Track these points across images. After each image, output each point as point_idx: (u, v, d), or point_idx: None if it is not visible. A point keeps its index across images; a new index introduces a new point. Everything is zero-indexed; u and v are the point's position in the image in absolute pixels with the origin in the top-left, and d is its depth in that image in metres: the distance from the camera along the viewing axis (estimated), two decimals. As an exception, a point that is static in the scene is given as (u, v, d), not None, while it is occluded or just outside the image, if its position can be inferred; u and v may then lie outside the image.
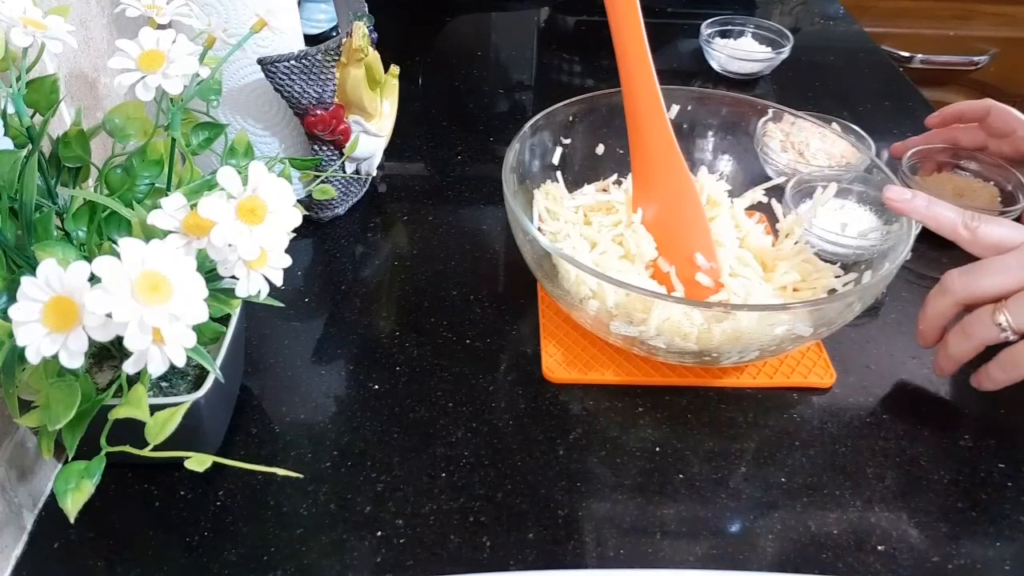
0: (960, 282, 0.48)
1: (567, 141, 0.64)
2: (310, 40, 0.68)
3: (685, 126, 0.65)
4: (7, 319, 0.30)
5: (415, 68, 0.91)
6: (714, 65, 0.92)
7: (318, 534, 0.44)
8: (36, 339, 0.29)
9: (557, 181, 0.63)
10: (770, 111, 0.66)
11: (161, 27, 0.42)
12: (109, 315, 0.28)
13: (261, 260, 0.35)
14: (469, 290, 0.61)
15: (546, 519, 0.45)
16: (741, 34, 0.94)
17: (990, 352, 0.49)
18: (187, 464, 0.34)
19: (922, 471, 0.49)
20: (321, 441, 0.49)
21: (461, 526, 0.45)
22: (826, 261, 0.58)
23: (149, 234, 0.33)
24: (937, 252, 0.66)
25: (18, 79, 0.38)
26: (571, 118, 0.63)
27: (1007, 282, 0.47)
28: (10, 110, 0.39)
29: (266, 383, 0.53)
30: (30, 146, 0.39)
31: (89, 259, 0.29)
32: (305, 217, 0.64)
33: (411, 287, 0.61)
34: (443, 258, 0.64)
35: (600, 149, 0.65)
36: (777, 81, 0.91)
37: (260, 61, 0.57)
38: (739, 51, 0.90)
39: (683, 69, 0.94)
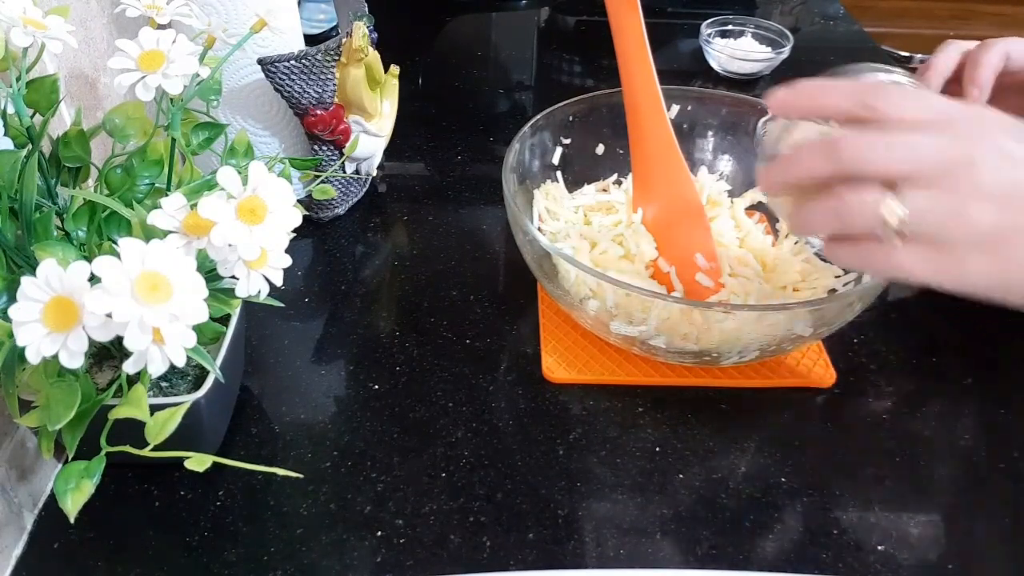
0: (853, 150, 0.36)
1: (567, 141, 0.64)
2: (310, 40, 0.68)
3: (685, 126, 0.65)
4: (7, 319, 0.30)
5: (415, 68, 0.91)
6: (714, 65, 0.92)
7: (318, 534, 0.44)
8: (36, 339, 0.29)
9: (557, 181, 0.63)
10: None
11: (161, 27, 0.42)
12: (109, 315, 0.28)
13: (261, 260, 0.35)
14: (469, 290, 0.61)
15: (546, 519, 0.45)
16: (741, 34, 0.94)
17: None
18: (187, 464, 0.34)
19: (922, 471, 0.49)
20: (321, 441, 0.49)
21: (461, 526, 0.45)
22: (826, 261, 0.58)
23: (149, 234, 0.33)
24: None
25: (18, 79, 0.38)
26: (571, 118, 0.63)
27: (909, 166, 0.35)
28: (10, 110, 0.39)
29: (266, 383, 0.53)
30: (30, 146, 0.39)
31: (89, 259, 0.29)
32: (305, 217, 0.64)
33: (411, 287, 0.61)
34: (443, 258, 0.64)
35: (600, 149, 0.65)
36: (777, 81, 0.90)
37: (260, 61, 0.57)
38: (739, 51, 0.90)
39: (683, 69, 0.94)
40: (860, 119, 0.37)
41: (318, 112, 0.60)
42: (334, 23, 0.78)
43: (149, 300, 0.29)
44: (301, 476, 0.47)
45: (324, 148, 0.63)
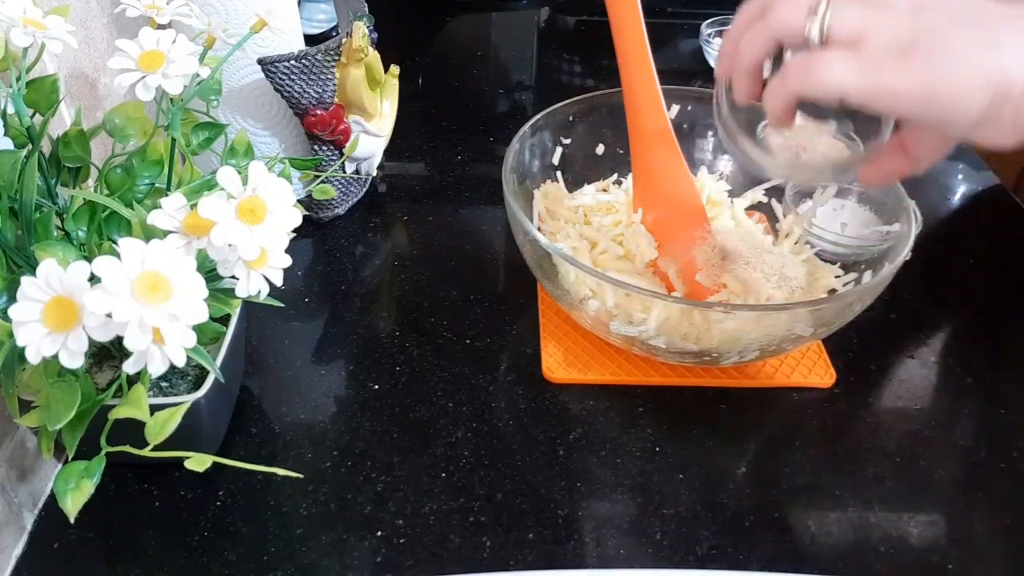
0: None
1: (567, 141, 0.64)
2: (310, 40, 0.68)
3: (685, 126, 0.65)
4: (7, 319, 0.30)
5: (415, 68, 0.91)
6: (714, 65, 0.92)
7: (318, 534, 0.44)
8: (36, 339, 0.29)
9: (557, 181, 0.63)
10: (770, 111, 0.66)
11: (161, 27, 0.42)
12: (109, 315, 0.28)
13: (261, 260, 0.35)
14: (469, 290, 0.61)
15: (546, 519, 0.45)
16: (741, 34, 0.94)
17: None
18: (187, 464, 0.34)
19: (922, 471, 0.49)
20: (321, 441, 0.49)
21: (461, 526, 0.45)
22: (826, 261, 0.58)
23: (149, 234, 0.33)
24: (937, 253, 0.66)
25: (18, 79, 0.38)
26: (571, 118, 0.63)
27: None
28: (10, 110, 0.39)
29: (266, 383, 0.53)
30: (30, 146, 0.39)
31: (89, 259, 0.29)
32: (305, 217, 0.64)
33: (411, 287, 0.61)
34: (443, 258, 0.64)
35: (600, 149, 0.65)
36: (777, 81, 0.90)
37: (260, 61, 0.57)
38: (739, 51, 0.90)
39: (683, 69, 0.94)
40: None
41: (318, 112, 0.60)
42: (334, 23, 0.78)
43: (149, 300, 0.29)
44: (301, 476, 0.46)
45: (324, 148, 0.63)
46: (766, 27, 0.37)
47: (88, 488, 0.34)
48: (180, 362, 0.30)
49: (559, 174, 0.64)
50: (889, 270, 0.49)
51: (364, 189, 0.70)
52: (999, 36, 0.32)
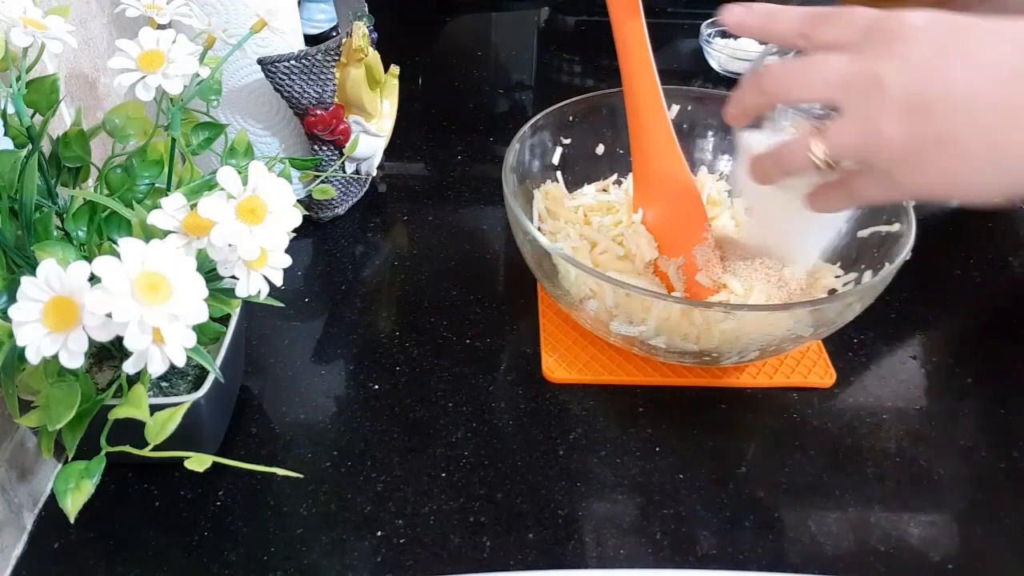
0: (772, 80, 0.39)
1: (567, 141, 0.64)
2: (310, 40, 0.68)
3: (685, 126, 0.65)
4: (7, 319, 0.30)
5: (415, 68, 0.91)
6: (714, 65, 0.92)
7: (318, 534, 0.44)
8: (36, 339, 0.29)
9: (557, 181, 0.63)
10: (770, 111, 0.66)
11: (161, 27, 0.42)
12: (109, 315, 0.28)
13: (261, 260, 0.35)
14: (469, 290, 0.61)
15: (546, 519, 0.45)
16: (741, 34, 0.94)
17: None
18: (187, 464, 0.34)
19: (922, 471, 0.49)
20: (321, 441, 0.49)
21: (461, 526, 0.45)
22: (826, 261, 0.58)
23: (149, 234, 0.33)
24: (937, 253, 0.66)
25: (18, 79, 0.38)
26: (571, 118, 0.63)
27: (819, 90, 0.37)
28: (10, 110, 0.39)
29: (266, 383, 0.53)
30: (30, 146, 0.39)
31: (89, 259, 0.29)
32: (305, 217, 0.64)
33: (411, 287, 0.61)
34: (443, 258, 0.64)
35: (600, 149, 0.65)
36: (777, 81, 0.90)
37: (260, 61, 0.57)
38: (739, 51, 0.90)
39: (683, 69, 0.94)
40: (798, 47, 0.39)
41: (318, 112, 0.60)
42: (334, 23, 0.78)
43: (149, 300, 0.29)
44: (301, 476, 0.46)
45: (324, 148, 0.63)
46: (777, 164, 0.40)
47: (88, 488, 0.34)
48: (180, 362, 0.30)
49: (559, 174, 0.64)
50: (889, 270, 0.49)
51: (364, 189, 0.70)
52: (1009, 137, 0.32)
